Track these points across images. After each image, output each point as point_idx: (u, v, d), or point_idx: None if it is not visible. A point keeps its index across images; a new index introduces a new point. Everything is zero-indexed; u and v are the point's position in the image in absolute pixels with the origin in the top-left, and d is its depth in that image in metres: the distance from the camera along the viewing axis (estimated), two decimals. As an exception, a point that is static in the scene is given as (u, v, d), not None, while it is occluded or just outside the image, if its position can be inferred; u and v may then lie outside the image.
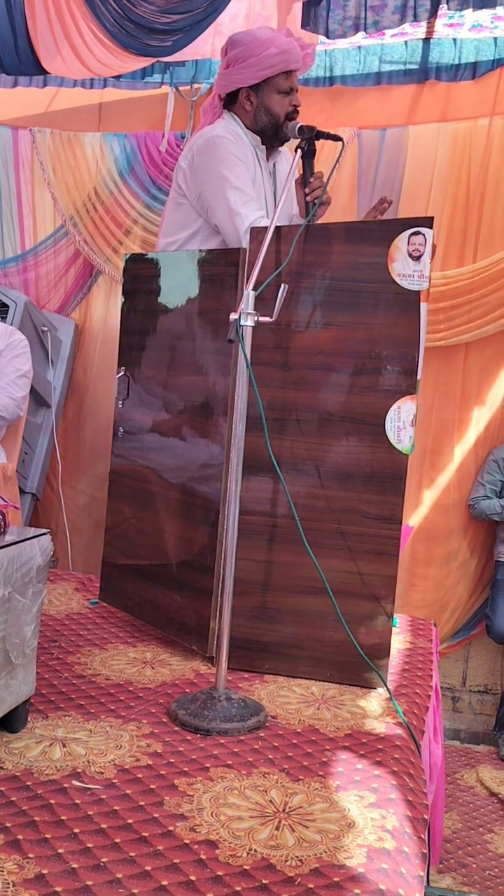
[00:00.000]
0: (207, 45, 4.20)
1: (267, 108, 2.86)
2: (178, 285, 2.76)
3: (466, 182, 4.36)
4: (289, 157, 2.96)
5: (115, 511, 3.00)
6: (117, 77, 4.69)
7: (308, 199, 2.71)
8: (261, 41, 2.80)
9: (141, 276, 2.93)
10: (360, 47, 4.45)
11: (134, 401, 2.92)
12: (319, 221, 2.74)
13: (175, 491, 2.70)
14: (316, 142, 2.65)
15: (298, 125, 2.64)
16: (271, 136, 2.90)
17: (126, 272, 3.00)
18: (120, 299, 3.01)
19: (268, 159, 2.97)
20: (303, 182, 2.77)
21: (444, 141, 4.39)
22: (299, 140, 2.65)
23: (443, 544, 4.51)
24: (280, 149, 3.03)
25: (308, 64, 2.91)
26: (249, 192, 2.77)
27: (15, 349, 3.63)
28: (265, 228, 2.35)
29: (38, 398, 4.70)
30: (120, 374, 2.96)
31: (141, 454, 2.88)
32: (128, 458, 2.94)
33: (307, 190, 2.72)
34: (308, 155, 2.72)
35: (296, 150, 2.63)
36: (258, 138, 2.92)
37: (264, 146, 2.94)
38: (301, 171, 2.78)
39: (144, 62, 4.28)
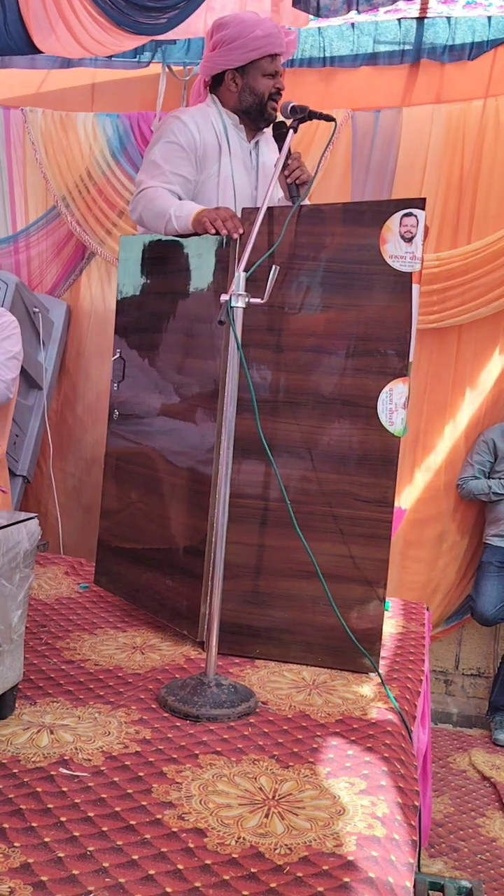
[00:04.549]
0: (200, 23, 4.13)
1: (252, 88, 2.88)
2: (174, 268, 2.73)
3: (460, 164, 4.32)
4: (272, 139, 2.94)
5: (110, 494, 2.97)
6: (110, 57, 4.63)
7: (289, 180, 2.71)
8: (248, 24, 2.85)
9: (136, 258, 2.90)
10: (353, 25, 4.39)
11: (129, 383, 2.89)
12: (306, 200, 2.71)
13: (169, 474, 2.68)
14: (308, 122, 2.62)
15: (291, 105, 2.61)
16: (256, 115, 2.92)
17: (121, 254, 2.97)
18: (115, 282, 2.98)
19: (249, 140, 2.95)
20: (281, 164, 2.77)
21: (438, 123, 4.33)
22: (291, 120, 2.62)
23: (434, 526, 4.49)
24: (265, 130, 3.01)
25: (290, 50, 2.92)
26: (164, 168, 2.83)
27: (5, 331, 3.59)
28: (257, 209, 2.32)
29: (28, 380, 4.66)
30: (115, 357, 2.93)
31: (136, 437, 2.85)
32: (123, 441, 2.91)
33: (286, 172, 2.72)
34: (281, 138, 2.72)
35: (287, 130, 2.60)
36: (237, 117, 2.93)
37: (243, 125, 2.94)
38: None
39: (139, 40, 4.21)
